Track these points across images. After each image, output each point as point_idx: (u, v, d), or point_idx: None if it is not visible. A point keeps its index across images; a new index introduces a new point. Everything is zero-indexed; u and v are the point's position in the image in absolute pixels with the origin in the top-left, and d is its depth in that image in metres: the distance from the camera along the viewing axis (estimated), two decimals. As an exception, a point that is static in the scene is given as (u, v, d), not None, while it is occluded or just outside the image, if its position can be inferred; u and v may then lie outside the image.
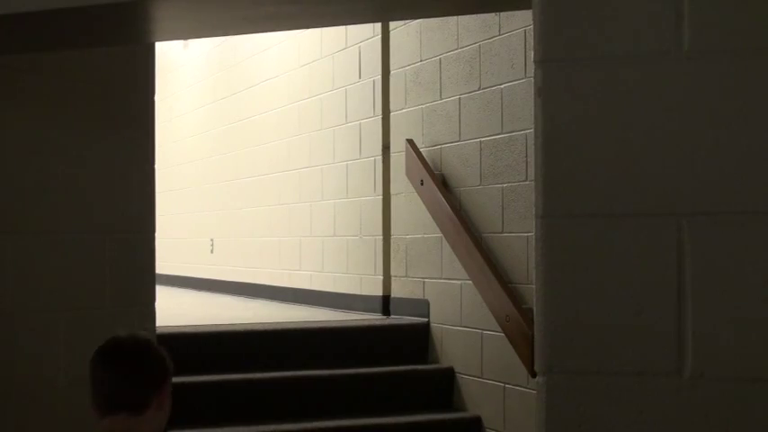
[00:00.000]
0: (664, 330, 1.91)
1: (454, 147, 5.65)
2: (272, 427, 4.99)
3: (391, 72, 6.38)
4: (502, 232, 5.21)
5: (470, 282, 5.36)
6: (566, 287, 1.96)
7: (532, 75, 2.03)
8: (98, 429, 2.38)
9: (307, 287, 7.42)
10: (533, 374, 3.88)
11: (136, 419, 2.37)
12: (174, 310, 6.81)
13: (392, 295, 6.33)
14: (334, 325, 6.01)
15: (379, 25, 6.44)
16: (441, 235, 5.69)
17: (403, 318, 6.10)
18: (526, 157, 4.99)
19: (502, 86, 5.22)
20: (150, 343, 2.48)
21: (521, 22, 5.00)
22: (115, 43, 3.66)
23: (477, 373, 5.40)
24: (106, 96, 3.90)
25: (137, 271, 3.98)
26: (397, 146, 6.25)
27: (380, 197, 6.41)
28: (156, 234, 4.09)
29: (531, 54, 2.62)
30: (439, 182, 5.68)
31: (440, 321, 5.77)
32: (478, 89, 5.42)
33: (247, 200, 8.64)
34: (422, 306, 5.93)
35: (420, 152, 5.89)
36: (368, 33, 6.59)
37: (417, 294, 6.00)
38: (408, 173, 6.02)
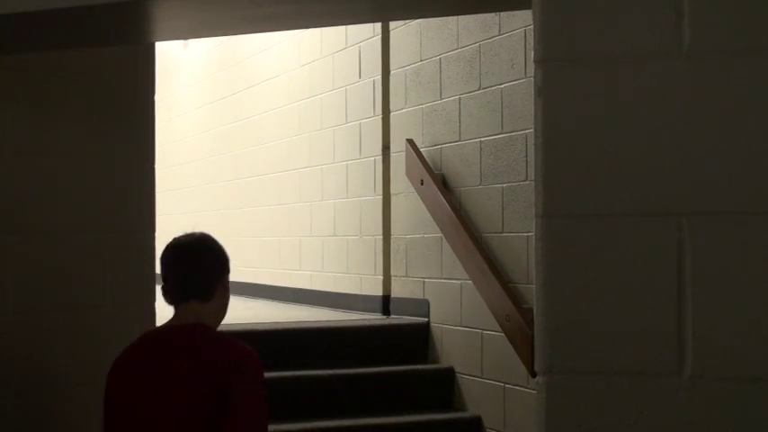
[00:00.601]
0: (664, 330, 1.91)
1: (454, 147, 5.64)
2: (272, 427, 4.92)
3: (391, 72, 6.38)
4: (502, 232, 5.21)
5: (470, 282, 5.35)
6: (566, 287, 1.96)
7: (532, 75, 2.03)
8: (173, 318, 2.72)
9: (307, 287, 7.42)
10: (533, 374, 3.87)
11: (203, 306, 2.71)
12: (175, 310, 6.80)
13: (392, 295, 6.33)
14: (334, 325, 6.01)
15: (379, 25, 6.43)
16: (441, 235, 5.68)
17: (403, 318, 6.10)
18: (526, 157, 4.98)
19: (502, 86, 5.22)
20: (212, 238, 2.79)
21: (521, 22, 5.00)
22: (115, 43, 3.66)
23: (477, 372, 5.40)
24: (106, 96, 3.90)
25: (137, 271, 3.98)
26: (397, 146, 6.25)
27: (380, 197, 6.41)
28: (156, 234, 4.09)
29: (531, 54, 2.62)
30: (439, 182, 5.67)
31: (440, 321, 5.77)
32: (478, 89, 5.42)
33: (247, 200, 8.64)
34: (422, 306, 5.93)
35: (420, 152, 5.89)
36: (368, 33, 6.59)
37: (417, 294, 6.00)
38: (408, 173, 6.01)
